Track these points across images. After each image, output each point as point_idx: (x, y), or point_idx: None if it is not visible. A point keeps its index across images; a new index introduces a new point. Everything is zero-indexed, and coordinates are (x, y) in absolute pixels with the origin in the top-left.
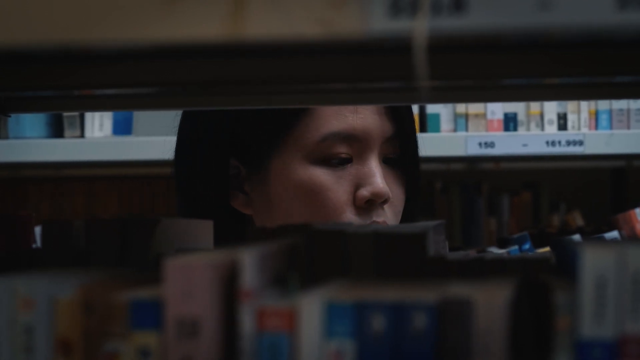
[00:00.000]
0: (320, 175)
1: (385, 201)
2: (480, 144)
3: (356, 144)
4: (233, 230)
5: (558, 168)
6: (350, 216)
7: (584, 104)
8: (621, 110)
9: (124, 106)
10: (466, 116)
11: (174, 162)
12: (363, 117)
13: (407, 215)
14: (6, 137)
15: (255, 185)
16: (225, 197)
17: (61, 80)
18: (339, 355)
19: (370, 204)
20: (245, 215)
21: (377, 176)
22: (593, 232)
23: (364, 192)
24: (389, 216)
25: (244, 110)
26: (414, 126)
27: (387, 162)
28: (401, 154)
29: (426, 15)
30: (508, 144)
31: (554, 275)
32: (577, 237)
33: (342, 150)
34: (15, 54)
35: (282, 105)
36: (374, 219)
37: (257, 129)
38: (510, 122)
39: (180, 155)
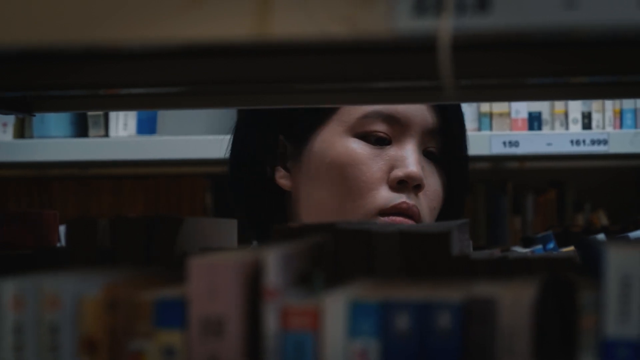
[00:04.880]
0: (358, 148)
1: (419, 187)
2: (504, 143)
3: (396, 126)
4: (273, 205)
5: (582, 167)
6: (383, 193)
7: (608, 103)
8: None
9: (149, 105)
10: (490, 115)
11: (230, 137)
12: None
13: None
14: (31, 137)
15: (296, 161)
16: (271, 170)
17: (86, 79)
18: (364, 354)
19: (403, 186)
20: (285, 193)
21: (411, 159)
22: (618, 231)
23: (398, 172)
24: (422, 205)
25: None
26: (462, 128)
27: (427, 155)
28: (443, 150)
29: (451, 15)
30: (532, 143)
31: (579, 275)
32: (601, 236)
33: (381, 129)
34: (40, 52)
35: (307, 104)
36: (405, 200)
37: (306, 107)
38: (534, 121)
39: (237, 130)
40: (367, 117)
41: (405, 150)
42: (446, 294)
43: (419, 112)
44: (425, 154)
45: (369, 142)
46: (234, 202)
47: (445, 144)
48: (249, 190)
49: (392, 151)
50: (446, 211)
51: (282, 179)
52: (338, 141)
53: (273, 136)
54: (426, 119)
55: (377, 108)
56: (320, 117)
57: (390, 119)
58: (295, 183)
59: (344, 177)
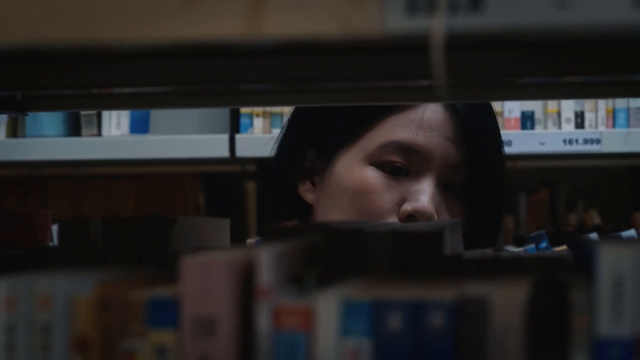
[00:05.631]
0: (372, 177)
1: None
2: None
3: (414, 158)
4: (297, 215)
5: (575, 166)
6: None
7: (601, 102)
8: (639, 108)
9: (142, 105)
10: None
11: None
12: (428, 136)
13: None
14: (23, 136)
15: (321, 178)
16: (295, 182)
17: (79, 78)
18: (356, 353)
19: (412, 220)
20: (311, 205)
21: (425, 194)
22: (610, 230)
23: (408, 206)
24: None
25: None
26: (493, 165)
27: (448, 189)
28: (466, 186)
29: (443, 14)
30: (525, 143)
31: (571, 274)
32: (594, 235)
33: (399, 159)
34: (33, 52)
35: (299, 103)
36: None
37: (335, 127)
38: (527, 121)
39: (279, 139)
40: (385, 146)
41: (420, 183)
42: (439, 294)
43: (440, 146)
44: (446, 187)
45: (385, 171)
46: (269, 202)
47: (471, 179)
48: (278, 196)
49: (407, 183)
50: (475, 242)
51: (305, 191)
52: (355, 167)
53: (302, 150)
54: (448, 154)
55: (396, 138)
56: (346, 140)
57: (409, 151)
58: (317, 198)
59: (356, 203)
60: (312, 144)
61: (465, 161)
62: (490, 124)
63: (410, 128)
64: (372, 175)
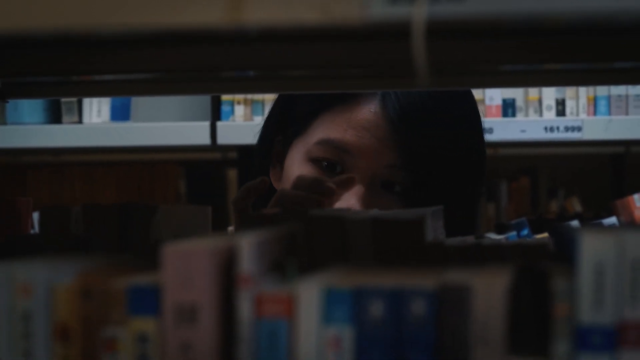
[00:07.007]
0: (306, 174)
1: None
2: None
3: (346, 157)
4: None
5: (556, 154)
6: None
7: (582, 90)
8: (620, 96)
9: (123, 92)
10: None
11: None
12: (360, 136)
13: None
14: (4, 123)
15: (283, 163)
16: (266, 167)
17: (60, 65)
18: (338, 341)
19: None
20: None
21: (354, 196)
22: (591, 218)
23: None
24: None
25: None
26: (443, 164)
27: (387, 188)
28: (408, 187)
29: (425, 2)
30: (506, 130)
31: (552, 262)
32: (575, 223)
33: (332, 157)
34: (14, 39)
35: (281, 90)
36: None
37: (293, 117)
38: (508, 108)
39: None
40: (320, 143)
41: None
42: (420, 281)
43: (371, 146)
44: (384, 186)
45: (320, 167)
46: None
47: (406, 179)
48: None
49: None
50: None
51: (273, 176)
52: (295, 163)
53: (272, 135)
54: (380, 155)
55: (329, 137)
56: (297, 132)
57: (340, 149)
58: (280, 184)
59: None
60: (280, 130)
61: (403, 162)
62: (445, 119)
63: (343, 127)
64: (305, 172)
